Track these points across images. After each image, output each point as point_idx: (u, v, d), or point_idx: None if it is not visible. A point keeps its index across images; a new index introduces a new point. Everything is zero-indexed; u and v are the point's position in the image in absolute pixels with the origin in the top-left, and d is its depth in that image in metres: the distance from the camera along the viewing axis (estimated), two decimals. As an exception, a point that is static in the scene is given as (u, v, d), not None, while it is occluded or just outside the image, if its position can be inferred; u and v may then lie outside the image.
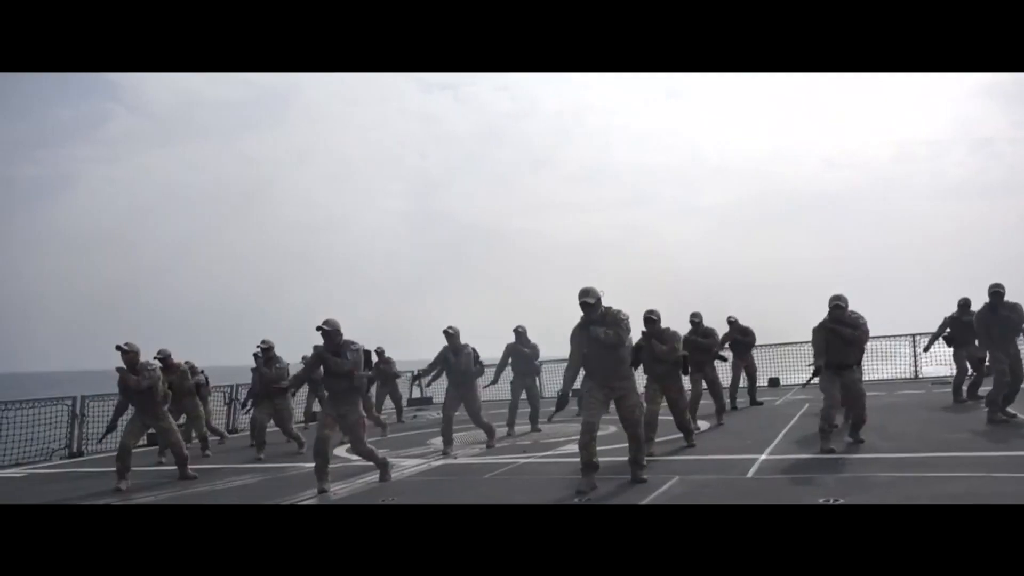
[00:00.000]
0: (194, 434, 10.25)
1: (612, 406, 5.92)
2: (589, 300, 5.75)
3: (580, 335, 5.87)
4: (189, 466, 7.98)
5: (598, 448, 5.74)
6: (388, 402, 13.84)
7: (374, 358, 13.21)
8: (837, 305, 6.95)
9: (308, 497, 6.22)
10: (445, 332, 8.80)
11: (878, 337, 16.03)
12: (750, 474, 5.93)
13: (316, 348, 6.82)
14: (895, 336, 15.96)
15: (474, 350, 8.84)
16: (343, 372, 6.57)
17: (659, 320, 7.74)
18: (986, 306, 8.04)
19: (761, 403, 11.85)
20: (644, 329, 7.66)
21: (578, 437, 5.82)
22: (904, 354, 15.72)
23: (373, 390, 13.56)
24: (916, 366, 15.36)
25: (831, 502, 4.51)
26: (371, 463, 6.93)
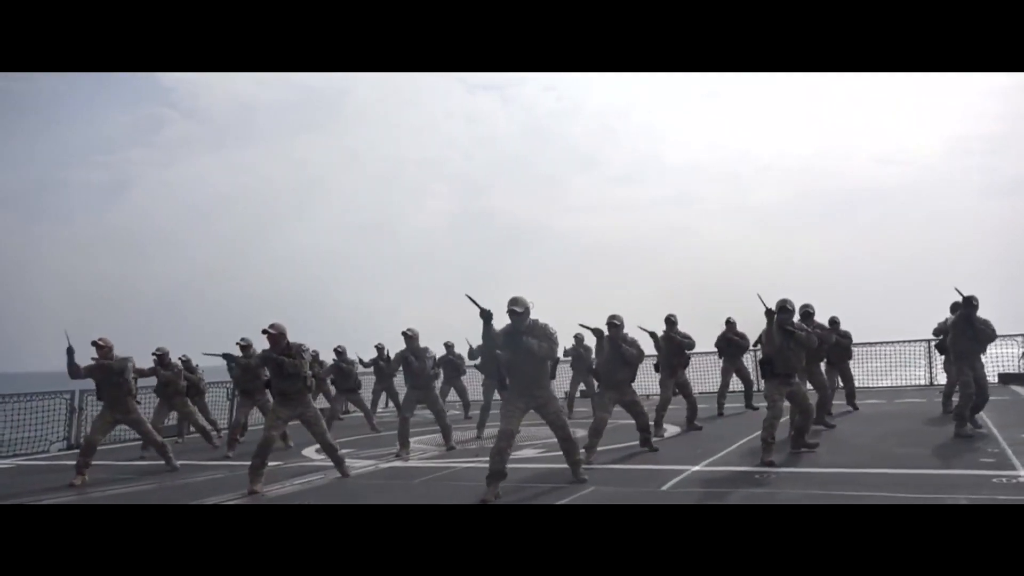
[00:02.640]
0: (192, 428, 10.78)
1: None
2: (517, 309, 5.77)
3: (504, 342, 5.88)
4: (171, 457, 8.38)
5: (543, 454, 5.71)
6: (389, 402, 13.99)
7: (373, 354, 13.40)
8: (784, 307, 6.75)
9: (236, 498, 6.36)
10: (404, 334, 8.84)
11: (894, 343, 15.48)
12: (666, 487, 5.81)
13: (263, 351, 6.96)
14: (911, 341, 15.34)
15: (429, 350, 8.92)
16: (300, 373, 6.70)
17: (622, 325, 7.65)
18: (960, 316, 7.72)
19: (756, 408, 11.43)
20: (607, 334, 7.58)
21: (494, 443, 5.81)
22: (919, 361, 15.11)
23: (371, 387, 13.76)
24: (931, 373, 14.75)
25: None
26: (331, 460, 7.24)
